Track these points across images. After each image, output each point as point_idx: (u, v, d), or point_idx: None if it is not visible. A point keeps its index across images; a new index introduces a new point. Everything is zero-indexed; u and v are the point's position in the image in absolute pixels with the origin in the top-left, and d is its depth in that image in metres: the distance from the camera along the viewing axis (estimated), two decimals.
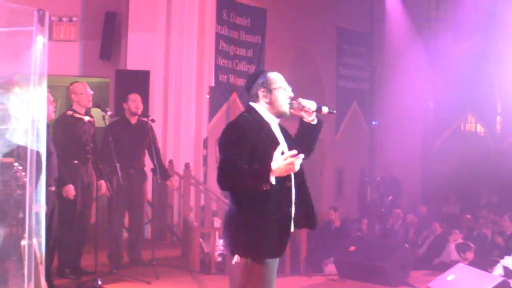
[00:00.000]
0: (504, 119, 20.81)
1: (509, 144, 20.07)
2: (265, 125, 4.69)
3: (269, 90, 4.71)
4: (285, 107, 4.76)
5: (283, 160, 4.35)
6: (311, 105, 4.89)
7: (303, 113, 4.90)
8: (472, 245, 11.51)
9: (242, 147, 4.49)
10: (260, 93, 4.72)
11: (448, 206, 17.81)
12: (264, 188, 4.35)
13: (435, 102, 20.99)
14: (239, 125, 4.60)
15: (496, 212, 15.38)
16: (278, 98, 4.73)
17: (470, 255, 11.24)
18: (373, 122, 14.46)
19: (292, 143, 4.75)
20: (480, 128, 21.32)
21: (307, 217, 4.77)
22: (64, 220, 8.07)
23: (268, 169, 4.34)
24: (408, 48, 18.82)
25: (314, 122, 4.97)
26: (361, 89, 19.34)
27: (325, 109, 4.95)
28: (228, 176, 4.43)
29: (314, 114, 4.94)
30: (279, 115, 4.78)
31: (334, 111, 5.01)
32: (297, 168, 4.40)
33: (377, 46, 15.09)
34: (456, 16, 19.29)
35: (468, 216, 14.72)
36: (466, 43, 18.66)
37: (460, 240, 12.55)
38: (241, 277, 4.52)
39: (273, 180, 4.36)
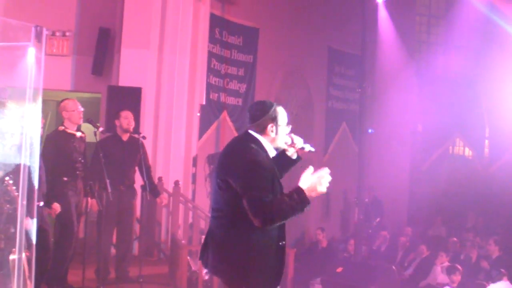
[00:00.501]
0: (492, 143, 20.92)
1: (497, 168, 20.16)
2: (270, 160, 4.76)
3: (277, 127, 4.78)
4: (282, 143, 4.90)
5: (317, 178, 4.53)
6: (299, 142, 5.03)
7: (288, 148, 5.02)
8: (459, 267, 11.55)
9: (269, 182, 4.55)
10: (270, 127, 4.76)
11: (434, 229, 17.87)
12: (306, 210, 4.53)
13: (424, 125, 21.10)
14: (260, 161, 4.59)
15: (482, 236, 15.45)
16: (282, 135, 4.84)
17: (457, 277, 11.29)
18: (369, 130, 14.53)
19: None
20: (468, 152, 21.43)
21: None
22: (54, 236, 8.06)
23: (302, 191, 4.48)
24: (398, 71, 18.92)
25: (294, 157, 5.11)
26: (350, 110, 19.42)
27: (307, 147, 5.10)
28: (274, 213, 4.43)
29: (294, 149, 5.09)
30: (277, 148, 4.88)
31: (314, 150, 5.14)
32: (325, 188, 4.56)
33: (368, 68, 15.16)
34: (447, 40, 19.44)
35: (454, 239, 14.78)
36: (456, 67, 18.81)
37: (447, 263, 12.61)
38: None
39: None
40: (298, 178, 4.61)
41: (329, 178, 4.58)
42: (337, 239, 16.95)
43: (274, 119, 4.76)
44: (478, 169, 20.71)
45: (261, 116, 4.75)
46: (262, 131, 4.75)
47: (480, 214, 17.96)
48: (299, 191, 4.48)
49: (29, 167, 5.83)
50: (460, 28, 18.73)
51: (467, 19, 18.63)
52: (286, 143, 4.93)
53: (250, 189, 4.46)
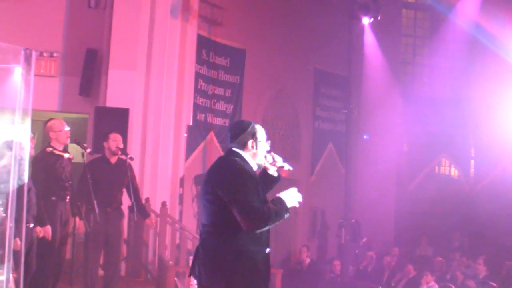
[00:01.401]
0: (477, 162, 21.04)
1: (482, 188, 20.26)
2: (254, 172, 5.03)
3: (257, 142, 5.04)
4: (263, 159, 5.14)
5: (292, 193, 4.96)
6: (279, 160, 5.26)
7: (268, 166, 5.23)
8: (452, 286, 11.62)
9: (255, 189, 4.85)
10: (250, 142, 5.02)
11: (421, 249, 17.92)
12: (286, 217, 4.92)
13: (410, 145, 21.20)
14: (245, 169, 4.91)
15: (468, 256, 15.50)
16: (261, 151, 5.09)
17: None
18: (364, 136, 14.60)
19: None
20: (454, 171, 21.53)
21: None
22: (41, 257, 8.03)
23: (282, 200, 4.90)
24: (384, 91, 19.03)
25: (275, 175, 5.30)
26: (337, 131, 19.49)
27: (286, 166, 5.30)
28: (265, 218, 4.76)
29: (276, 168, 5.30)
30: (258, 165, 5.13)
31: (291, 168, 5.35)
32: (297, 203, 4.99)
33: (354, 89, 15.26)
34: (432, 61, 19.58)
35: (440, 258, 14.83)
36: (441, 88, 18.95)
37: (433, 283, 12.65)
38: None
39: None
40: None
41: (299, 195, 4.98)
42: (323, 259, 16.96)
43: (253, 135, 5.03)
44: (464, 189, 20.82)
45: (241, 133, 5.04)
46: (243, 146, 5.02)
47: (466, 234, 18.03)
48: (280, 199, 4.89)
49: (17, 189, 5.84)
50: (445, 49, 18.90)
51: (452, 39, 18.80)
52: (267, 161, 5.17)
53: (239, 194, 4.75)
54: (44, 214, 8.00)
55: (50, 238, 8.10)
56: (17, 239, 6.66)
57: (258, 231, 4.79)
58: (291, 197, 4.94)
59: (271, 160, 5.19)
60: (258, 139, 5.04)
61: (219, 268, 4.77)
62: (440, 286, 12.16)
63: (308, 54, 18.29)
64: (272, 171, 5.24)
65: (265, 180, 5.21)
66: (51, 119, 8.85)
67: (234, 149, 5.02)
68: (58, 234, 8.45)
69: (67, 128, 8.66)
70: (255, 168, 5.06)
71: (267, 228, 4.84)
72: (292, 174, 5.31)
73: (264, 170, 5.23)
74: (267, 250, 4.91)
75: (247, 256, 4.77)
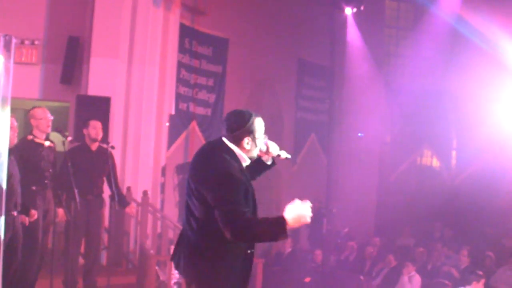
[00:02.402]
0: (459, 154, 21.11)
1: (464, 179, 20.36)
2: (244, 170, 4.71)
3: (254, 139, 4.72)
4: (256, 153, 4.86)
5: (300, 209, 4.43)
6: (275, 149, 5.00)
7: (263, 154, 5.00)
8: (448, 283, 11.70)
9: (242, 195, 4.50)
10: (246, 140, 4.68)
11: (402, 239, 17.97)
12: (280, 240, 4.54)
13: (392, 136, 21.25)
14: (233, 173, 4.54)
15: (449, 246, 15.57)
16: (258, 146, 4.78)
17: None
18: (359, 134, 14.60)
19: None
20: (435, 162, 21.60)
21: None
22: (25, 247, 7.99)
23: (284, 221, 4.39)
24: (367, 82, 19.05)
25: (269, 163, 5.11)
26: (319, 121, 19.50)
27: (283, 154, 5.07)
28: (247, 230, 4.43)
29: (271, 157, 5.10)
30: (251, 158, 4.82)
31: (290, 156, 5.14)
32: (309, 219, 4.46)
33: (337, 79, 15.27)
34: (415, 53, 19.60)
35: (421, 249, 14.88)
36: (424, 79, 18.99)
37: (414, 273, 12.71)
38: None
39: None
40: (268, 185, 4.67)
41: (309, 210, 4.47)
42: (305, 249, 16.98)
43: (251, 132, 4.70)
44: (445, 180, 20.89)
45: (238, 128, 4.67)
46: (238, 142, 4.68)
47: (447, 224, 18.10)
48: (281, 221, 4.40)
49: None
50: (428, 40, 18.91)
51: (435, 31, 18.81)
52: (261, 150, 4.89)
53: (223, 201, 4.43)
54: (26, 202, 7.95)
55: (27, 223, 8.02)
56: None
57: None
58: (296, 217, 4.41)
59: (265, 150, 4.92)
60: (256, 136, 4.71)
61: (197, 264, 4.61)
62: (433, 283, 12.21)
63: (291, 44, 18.28)
64: (266, 159, 5.05)
65: (257, 167, 5.01)
66: (34, 107, 8.79)
67: (226, 142, 4.70)
68: (41, 223, 8.40)
69: (50, 117, 8.60)
70: (246, 163, 4.76)
71: (246, 241, 4.60)
72: (276, 163, 5.17)
73: (257, 159, 4.99)
74: (250, 250, 4.70)
75: (226, 256, 4.57)
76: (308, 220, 4.45)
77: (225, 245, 4.53)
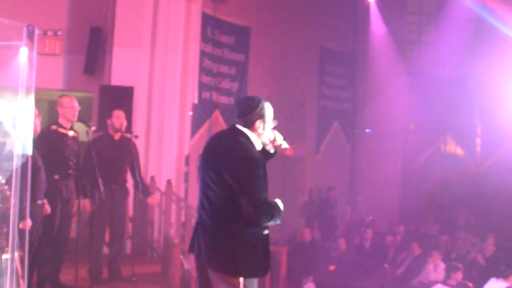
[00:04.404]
0: (483, 141, 20.96)
1: (488, 166, 20.21)
2: (258, 153, 4.91)
3: (265, 123, 4.92)
4: (267, 138, 5.04)
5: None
6: (279, 138, 5.15)
7: (269, 143, 5.13)
8: (460, 266, 11.59)
9: (263, 181, 4.75)
10: (258, 123, 4.89)
11: (426, 227, 17.90)
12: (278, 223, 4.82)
13: (415, 123, 21.15)
14: (255, 157, 4.78)
15: (474, 234, 15.47)
16: (268, 131, 4.98)
17: (458, 275, 11.32)
18: (367, 130, 14.54)
19: None
20: (459, 150, 21.47)
21: None
22: (43, 235, 8.04)
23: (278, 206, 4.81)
24: (390, 69, 18.95)
25: (272, 151, 5.19)
26: (342, 109, 19.45)
27: (284, 144, 5.19)
28: (270, 214, 4.70)
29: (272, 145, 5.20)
30: (263, 143, 5.03)
31: (288, 147, 5.25)
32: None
33: (359, 67, 15.18)
34: (438, 39, 19.47)
35: (445, 237, 14.81)
36: (447, 66, 18.86)
37: (439, 262, 12.66)
38: None
39: None
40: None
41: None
42: (329, 237, 16.95)
43: (262, 116, 4.90)
44: (469, 167, 20.76)
45: (250, 112, 4.88)
46: (250, 126, 4.89)
47: (472, 212, 17.99)
48: (277, 204, 4.83)
49: (22, 166, 5.83)
50: (451, 27, 18.78)
51: (458, 18, 18.68)
52: (269, 138, 5.05)
53: (250, 186, 4.66)
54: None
55: (48, 212, 8.07)
56: (28, 219, 6.67)
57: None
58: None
59: (272, 138, 5.07)
60: (266, 119, 4.92)
61: (219, 247, 4.72)
62: (447, 266, 12.15)
63: (314, 32, 18.22)
64: (269, 147, 5.14)
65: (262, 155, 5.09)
66: (63, 95, 8.85)
67: (239, 127, 4.88)
68: (59, 212, 8.44)
69: (77, 106, 8.65)
70: (259, 147, 4.95)
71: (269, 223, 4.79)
72: (297, 152, 5.20)
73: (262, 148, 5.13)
74: (266, 231, 4.84)
75: (247, 238, 4.71)
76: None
77: (246, 228, 4.71)
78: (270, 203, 4.72)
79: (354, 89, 14.55)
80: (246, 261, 4.71)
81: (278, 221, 4.78)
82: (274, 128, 5.08)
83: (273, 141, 5.09)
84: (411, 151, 20.92)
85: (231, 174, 4.66)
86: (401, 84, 19.59)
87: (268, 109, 4.95)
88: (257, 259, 4.77)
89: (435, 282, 10.75)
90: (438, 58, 19.34)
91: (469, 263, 13.12)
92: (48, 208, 8.02)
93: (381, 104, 18.96)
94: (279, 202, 4.84)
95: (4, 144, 6.33)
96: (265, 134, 4.96)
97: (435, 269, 12.62)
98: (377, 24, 17.82)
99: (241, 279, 4.69)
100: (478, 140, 21.20)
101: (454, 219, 18.12)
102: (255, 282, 4.84)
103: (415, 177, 20.33)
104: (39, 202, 7.47)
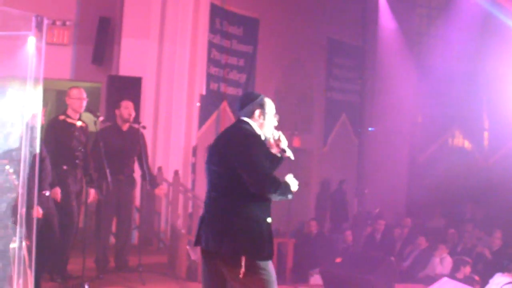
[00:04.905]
0: (491, 135, 20.93)
1: (496, 160, 20.18)
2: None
3: (264, 113, 5.09)
4: (269, 133, 5.17)
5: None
6: (284, 142, 5.25)
7: (273, 144, 5.25)
8: (468, 259, 11.58)
9: (266, 153, 5.02)
10: (257, 111, 5.08)
11: (433, 220, 17.88)
12: (290, 197, 4.94)
13: (423, 116, 21.11)
14: (256, 133, 5.02)
15: (481, 228, 15.45)
16: (268, 123, 5.13)
17: (467, 269, 11.32)
18: (370, 129, 14.54)
19: None
20: (467, 143, 21.43)
21: None
22: (62, 225, 8.07)
23: (287, 182, 4.93)
24: (398, 62, 18.91)
25: (279, 156, 5.26)
26: (350, 102, 19.41)
27: (288, 152, 5.26)
28: (276, 184, 4.82)
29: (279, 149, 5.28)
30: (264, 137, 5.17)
31: (293, 158, 5.27)
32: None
33: (368, 59, 15.17)
34: (447, 33, 19.42)
35: (452, 230, 14.79)
36: (455, 59, 18.81)
37: (445, 255, 12.65)
38: (250, 280, 4.83)
39: None
40: None
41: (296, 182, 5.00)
42: (335, 230, 16.96)
43: (261, 106, 5.10)
44: (477, 161, 20.72)
45: (249, 102, 5.12)
46: (251, 116, 5.08)
47: (479, 206, 17.97)
48: (285, 181, 4.95)
49: (29, 156, 5.85)
50: (461, 21, 18.73)
51: (467, 11, 18.62)
52: (273, 136, 5.19)
53: (250, 157, 4.84)
54: (54, 181, 8.02)
55: (59, 200, 8.10)
56: (38, 207, 6.70)
57: (263, 198, 4.87)
58: (293, 182, 4.97)
59: (277, 137, 5.20)
60: (266, 111, 5.09)
61: (228, 232, 4.81)
62: (454, 259, 12.13)
63: (322, 24, 18.18)
64: (275, 151, 5.23)
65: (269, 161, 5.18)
66: (72, 87, 8.88)
67: (245, 118, 5.08)
68: (74, 202, 8.48)
69: (85, 97, 8.67)
70: (262, 138, 5.09)
71: (272, 197, 4.89)
72: (304, 144, 5.26)
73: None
74: (269, 219, 4.92)
75: (254, 222, 4.82)
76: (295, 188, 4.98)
77: (252, 213, 4.83)
78: (275, 176, 4.84)
79: (363, 81, 14.55)
80: (250, 242, 4.79)
81: (289, 196, 4.93)
82: (277, 127, 5.19)
83: (277, 141, 5.21)
84: (418, 145, 20.87)
85: (234, 152, 4.86)
86: (409, 77, 19.54)
87: (268, 103, 5.14)
88: (261, 241, 4.84)
89: (442, 276, 10.72)
90: (446, 51, 19.29)
91: (475, 257, 13.10)
92: (59, 196, 8.06)
93: (389, 97, 18.92)
94: (290, 177, 4.99)
95: (11, 134, 6.35)
96: (266, 127, 5.12)
97: (442, 263, 12.62)
98: (386, 17, 17.80)
99: (243, 262, 4.78)
100: (486, 134, 21.17)
101: (461, 213, 18.10)
102: (269, 267, 4.92)
103: (422, 170, 20.29)
104: (44, 192, 7.49)
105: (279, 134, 5.22)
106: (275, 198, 4.88)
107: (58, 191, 8.10)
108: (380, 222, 15.68)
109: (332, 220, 17.46)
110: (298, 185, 4.99)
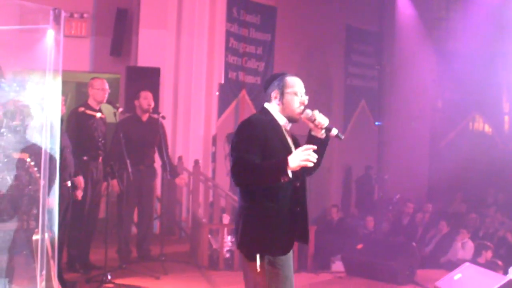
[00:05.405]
0: (511, 118, 20.80)
1: None
2: (277, 126, 4.77)
3: (282, 93, 4.77)
4: (295, 112, 4.80)
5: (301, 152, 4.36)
6: (323, 120, 4.86)
7: (311, 125, 4.88)
8: (490, 244, 11.57)
9: (252, 144, 4.56)
10: (273, 94, 4.80)
11: (454, 205, 17.83)
12: (282, 181, 4.41)
13: (443, 101, 21.00)
14: (250, 122, 4.68)
15: (503, 212, 15.40)
16: (290, 102, 4.78)
17: (489, 254, 11.32)
18: (376, 123, 14.49)
19: None
20: (488, 128, 21.31)
21: (301, 231, 4.84)
22: (74, 216, 8.13)
23: (285, 162, 4.34)
24: (417, 47, 18.82)
25: (322, 137, 4.92)
26: (369, 88, 19.35)
27: (334, 131, 4.86)
28: (244, 172, 4.49)
29: (324, 130, 4.89)
30: (290, 119, 4.83)
31: (343, 137, 4.95)
32: (312, 162, 4.38)
33: (386, 45, 15.10)
34: (466, 16, 19.29)
35: (473, 215, 14.75)
36: (475, 43, 18.68)
37: (467, 239, 12.63)
38: (256, 276, 4.61)
39: (290, 173, 4.37)
40: None
41: (314, 157, 4.38)
42: (356, 216, 16.95)
43: (279, 85, 4.79)
44: (498, 145, 20.60)
45: (268, 85, 4.87)
46: (270, 99, 4.83)
47: (500, 190, 17.88)
48: (282, 162, 4.38)
49: (49, 148, 5.89)
50: (479, 4, 18.59)
51: None
52: (305, 116, 4.80)
53: (233, 150, 4.61)
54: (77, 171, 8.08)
55: (81, 188, 8.15)
56: (50, 198, 6.74)
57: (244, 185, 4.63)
58: (296, 157, 4.34)
59: (309, 115, 4.77)
60: (283, 89, 4.75)
61: (238, 225, 4.69)
62: (476, 244, 12.12)
63: (340, 10, 18.13)
64: (316, 132, 4.88)
65: (311, 144, 4.57)
66: (94, 77, 8.94)
67: (265, 104, 4.85)
68: (89, 193, 8.54)
69: (107, 88, 8.73)
70: (282, 122, 4.79)
71: (248, 184, 4.60)
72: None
73: (308, 134, 4.91)
74: (297, 209, 4.69)
75: (266, 214, 4.58)
76: (309, 164, 4.37)
77: (266, 207, 4.59)
78: (248, 162, 4.48)
79: (381, 67, 14.50)
80: (258, 237, 4.59)
81: (275, 180, 4.45)
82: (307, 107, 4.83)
83: (313, 121, 4.81)
84: (438, 129, 20.77)
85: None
86: (428, 61, 19.44)
87: (290, 80, 4.80)
88: (280, 238, 4.62)
89: (463, 261, 10.71)
90: (465, 35, 19.15)
91: (497, 241, 13.07)
92: (82, 184, 8.11)
93: (408, 82, 18.84)
94: (317, 113, 4.77)
95: (32, 127, 6.40)
96: (287, 107, 4.77)
97: (463, 247, 12.60)
98: (404, 2, 17.70)
99: (258, 258, 4.58)
100: (506, 118, 21.03)
101: (482, 197, 18.03)
102: (284, 260, 4.66)
103: (442, 155, 20.19)
104: (66, 183, 7.54)
105: (312, 112, 4.80)
106: (241, 185, 4.62)
107: (81, 179, 8.16)
108: (409, 205, 15.64)
109: (358, 206, 17.44)
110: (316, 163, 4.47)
